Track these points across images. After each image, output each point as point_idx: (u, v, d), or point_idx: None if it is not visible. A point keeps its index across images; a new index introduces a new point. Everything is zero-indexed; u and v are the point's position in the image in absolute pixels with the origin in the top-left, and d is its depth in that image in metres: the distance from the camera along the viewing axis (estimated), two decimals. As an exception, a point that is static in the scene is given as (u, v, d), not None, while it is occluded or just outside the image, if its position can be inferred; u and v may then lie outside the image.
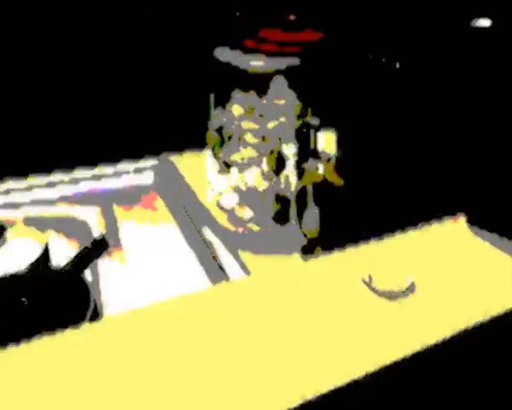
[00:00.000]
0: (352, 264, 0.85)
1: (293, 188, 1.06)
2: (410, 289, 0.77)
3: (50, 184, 1.22)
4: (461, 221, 0.92)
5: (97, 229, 1.14)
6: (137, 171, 1.29)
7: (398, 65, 0.80)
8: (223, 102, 1.09)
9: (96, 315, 0.88)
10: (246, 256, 1.00)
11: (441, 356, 0.69)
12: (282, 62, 1.05)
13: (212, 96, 1.12)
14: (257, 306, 0.77)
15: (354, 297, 0.78)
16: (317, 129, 1.05)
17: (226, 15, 1.17)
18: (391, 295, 0.76)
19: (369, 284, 0.78)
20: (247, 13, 1.10)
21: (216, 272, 0.97)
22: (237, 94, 1.07)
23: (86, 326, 0.74)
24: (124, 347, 0.70)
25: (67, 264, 0.94)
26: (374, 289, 0.77)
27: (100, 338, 0.71)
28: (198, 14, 1.26)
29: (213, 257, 1.00)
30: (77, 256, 0.95)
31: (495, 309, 0.73)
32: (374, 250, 0.87)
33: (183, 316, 0.75)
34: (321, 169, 1.03)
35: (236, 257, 0.98)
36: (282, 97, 1.06)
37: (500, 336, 0.74)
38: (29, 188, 1.20)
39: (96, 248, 0.97)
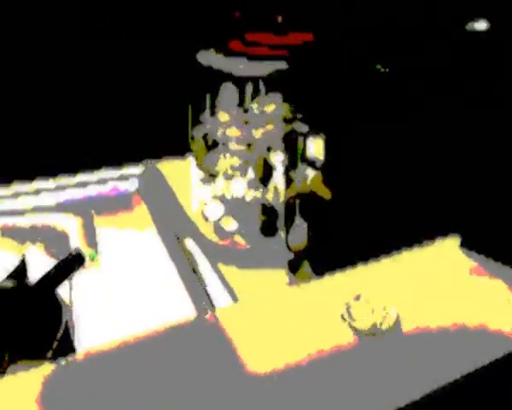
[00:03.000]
0: (338, 291, 0.79)
1: (281, 198, 1.01)
2: (397, 325, 0.71)
3: (29, 193, 1.17)
4: (454, 243, 0.86)
5: (77, 240, 1.09)
6: (121, 178, 1.24)
7: (387, 70, 0.75)
8: (207, 107, 1.04)
9: (67, 336, 0.83)
10: (230, 272, 0.95)
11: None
12: (270, 66, 1.00)
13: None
14: (243, 338, 0.71)
15: (341, 332, 0.72)
16: (306, 136, 1.00)
17: (211, 17, 1.13)
18: (374, 333, 0.70)
19: (349, 321, 0.71)
20: (233, 14, 1.05)
21: (198, 291, 0.92)
22: (223, 99, 1.02)
23: (58, 362, 0.68)
24: (100, 386, 0.64)
25: (40, 280, 0.89)
26: (355, 329, 0.71)
27: (74, 375, 0.66)
28: (181, 16, 1.21)
29: (194, 271, 0.96)
30: (50, 272, 0.90)
31: (491, 354, 0.66)
32: (361, 274, 0.81)
33: (166, 349, 0.69)
34: (310, 176, 0.98)
35: (219, 273, 0.93)
36: (270, 103, 1.01)
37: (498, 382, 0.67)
38: (6, 196, 1.15)
39: (71, 263, 0.92)
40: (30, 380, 0.64)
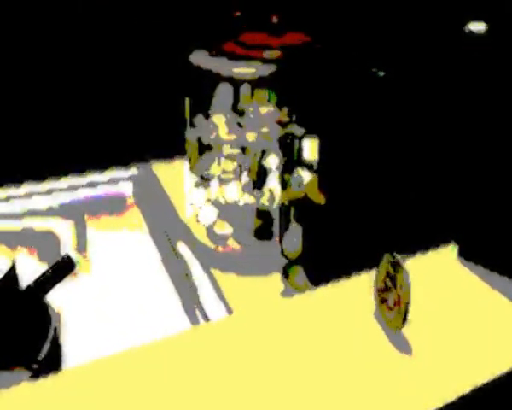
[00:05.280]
0: (335, 301, 0.77)
1: (276, 202, 0.99)
2: None
3: (21, 196, 1.15)
4: (451, 252, 0.84)
5: (69, 245, 1.07)
6: (115, 181, 1.23)
7: (382, 73, 0.74)
8: (201, 110, 1.03)
9: (55, 344, 0.81)
10: (224, 277, 0.94)
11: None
12: (265, 68, 0.98)
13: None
14: (239, 352, 0.69)
15: (339, 343, 0.70)
16: (302, 138, 0.98)
17: (206, 17, 1.11)
18: None
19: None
20: (227, 14, 1.03)
21: (191, 297, 0.90)
22: (217, 101, 1.01)
23: (45, 380, 0.66)
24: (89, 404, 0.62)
25: (29, 286, 0.87)
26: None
27: (61, 395, 0.64)
28: (175, 16, 1.19)
29: (187, 276, 0.94)
30: (39, 278, 0.88)
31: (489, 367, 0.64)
32: (357, 283, 0.79)
33: (158, 367, 0.67)
34: (306, 180, 0.96)
35: (213, 279, 0.92)
36: (265, 106, 0.99)
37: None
38: (-3, 200, 1.14)
39: (61, 269, 0.90)
40: (11, 398, 0.63)
